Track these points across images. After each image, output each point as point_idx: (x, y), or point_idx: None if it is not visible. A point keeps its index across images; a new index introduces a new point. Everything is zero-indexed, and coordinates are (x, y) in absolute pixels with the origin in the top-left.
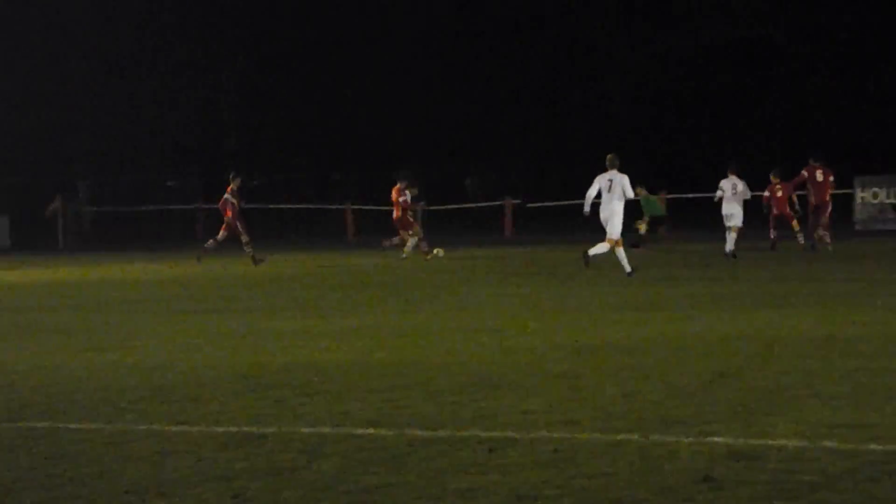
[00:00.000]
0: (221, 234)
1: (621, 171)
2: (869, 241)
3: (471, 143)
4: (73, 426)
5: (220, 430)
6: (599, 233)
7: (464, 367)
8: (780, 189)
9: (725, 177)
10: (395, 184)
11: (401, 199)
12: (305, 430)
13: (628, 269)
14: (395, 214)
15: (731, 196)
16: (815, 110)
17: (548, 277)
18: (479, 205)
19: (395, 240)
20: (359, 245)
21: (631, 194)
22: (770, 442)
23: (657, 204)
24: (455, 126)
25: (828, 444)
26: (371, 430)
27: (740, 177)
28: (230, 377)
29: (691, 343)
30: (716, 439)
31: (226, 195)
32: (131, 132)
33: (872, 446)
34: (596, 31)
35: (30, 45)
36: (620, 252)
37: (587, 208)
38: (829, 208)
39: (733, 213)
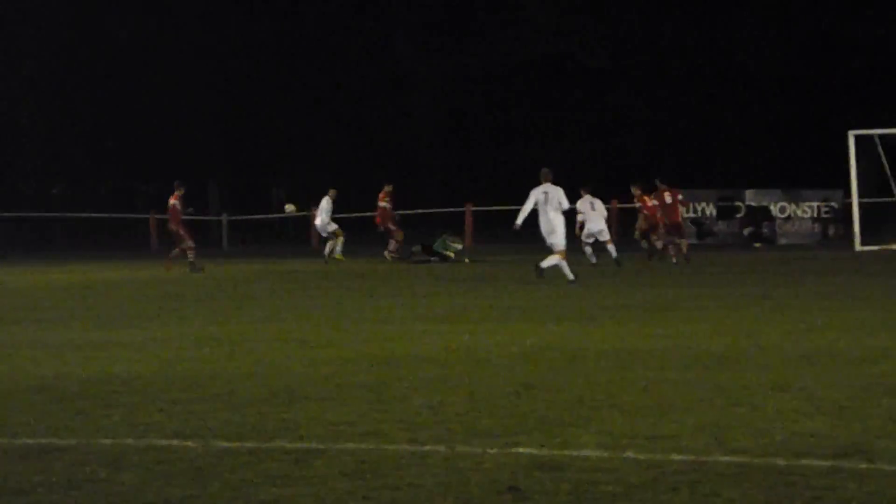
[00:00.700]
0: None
1: (555, 183)
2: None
3: (275, 153)
4: None
5: (18, 442)
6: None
7: (268, 379)
8: (668, 196)
9: (579, 197)
10: (381, 188)
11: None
12: (106, 441)
13: (571, 276)
14: (377, 219)
15: (593, 213)
16: (618, 126)
17: (355, 289)
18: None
19: (392, 245)
20: (161, 255)
21: (567, 205)
22: (573, 452)
23: None
24: (259, 136)
25: (629, 454)
26: (174, 442)
27: (594, 195)
28: (29, 388)
29: (496, 354)
30: (520, 450)
31: (173, 202)
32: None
33: (673, 456)
34: (400, 41)
35: None
36: (564, 263)
37: (519, 221)
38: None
39: (602, 229)
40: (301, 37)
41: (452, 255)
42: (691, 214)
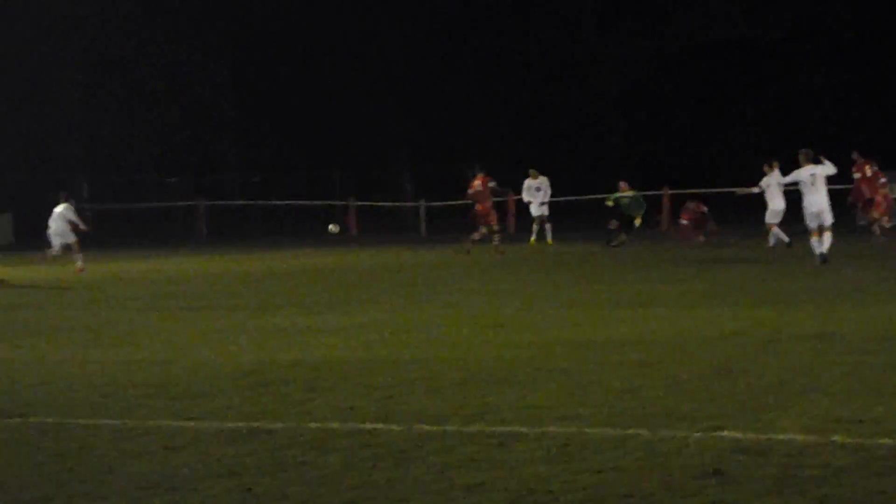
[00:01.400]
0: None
1: None
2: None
3: (467, 138)
4: (80, 422)
5: (228, 425)
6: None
7: (466, 363)
8: (868, 170)
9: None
10: (474, 177)
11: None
12: (312, 425)
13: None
14: (479, 207)
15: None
16: (806, 106)
17: (553, 273)
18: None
19: (477, 236)
20: (361, 241)
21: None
22: (777, 436)
23: (641, 202)
24: (451, 122)
25: (835, 438)
26: (378, 426)
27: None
28: (235, 373)
29: (692, 338)
30: (722, 434)
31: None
32: (127, 130)
33: (880, 440)
34: (582, 28)
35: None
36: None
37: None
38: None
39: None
40: (488, 20)
41: (639, 220)
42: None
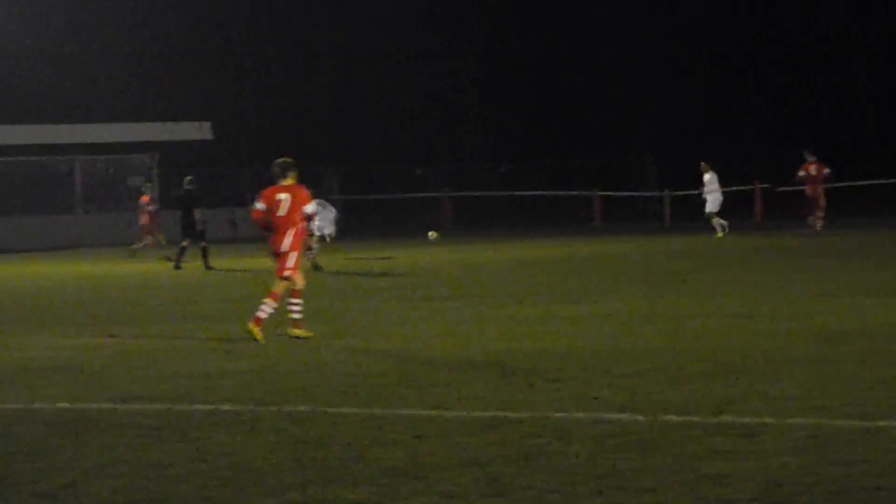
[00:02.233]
0: None
1: None
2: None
3: (710, 127)
4: (331, 410)
5: (474, 414)
6: None
7: (711, 353)
8: None
9: None
10: (808, 162)
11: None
12: (557, 414)
13: None
14: (810, 190)
15: None
16: None
17: (794, 262)
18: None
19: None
20: (602, 231)
21: None
22: None
23: None
24: (695, 111)
25: None
26: (623, 416)
27: None
28: (481, 363)
29: None
30: None
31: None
32: (378, 121)
33: None
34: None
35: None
36: None
37: None
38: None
39: None
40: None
41: None
42: None
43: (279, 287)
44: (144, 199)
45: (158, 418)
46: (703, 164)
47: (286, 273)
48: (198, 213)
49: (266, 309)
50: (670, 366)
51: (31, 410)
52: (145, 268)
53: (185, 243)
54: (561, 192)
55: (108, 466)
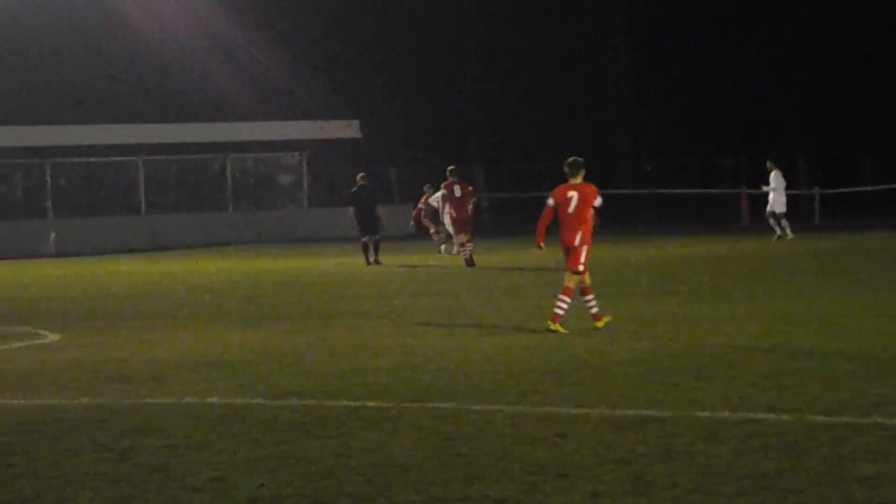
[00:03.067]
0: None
1: None
2: None
3: (860, 122)
4: (475, 408)
5: (618, 413)
6: None
7: (861, 353)
8: None
9: None
10: None
11: None
12: (702, 413)
13: None
14: None
15: None
16: None
17: None
18: (875, 188)
19: None
20: (750, 230)
21: None
22: None
23: None
24: (844, 106)
25: None
26: (769, 415)
27: None
28: (625, 361)
29: None
30: None
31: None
32: (523, 119)
33: None
34: None
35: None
36: None
37: None
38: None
39: None
40: None
41: None
42: None
43: (571, 281)
44: (424, 198)
45: (305, 414)
46: (769, 162)
47: (579, 268)
48: (380, 210)
49: (562, 305)
50: (819, 366)
51: (183, 405)
52: (296, 264)
53: (366, 239)
54: (708, 191)
55: (255, 461)
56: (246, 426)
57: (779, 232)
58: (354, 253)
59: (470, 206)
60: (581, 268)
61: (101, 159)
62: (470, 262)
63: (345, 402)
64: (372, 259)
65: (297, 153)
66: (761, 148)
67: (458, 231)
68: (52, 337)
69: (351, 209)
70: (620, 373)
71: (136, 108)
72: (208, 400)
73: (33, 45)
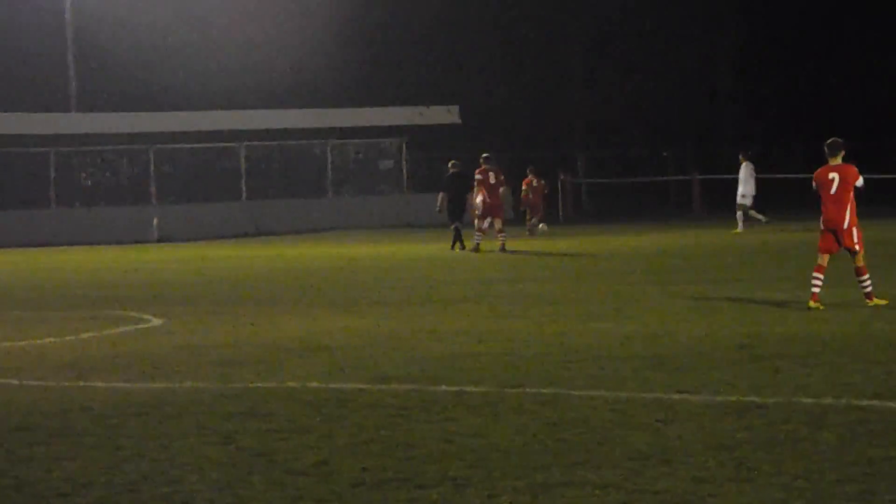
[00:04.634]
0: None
1: None
2: None
3: None
4: (576, 393)
5: (721, 399)
6: None
7: None
8: None
9: None
10: None
11: None
12: (806, 400)
13: None
14: None
15: None
16: None
17: None
18: None
19: None
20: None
21: None
22: None
23: None
24: None
25: None
26: (874, 402)
27: None
28: (728, 347)
29: None
30: None
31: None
32: (624, 102)
33: None
34: None
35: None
36: None
37: None
38: None
39: None
40: None
41: None
42: None
43: (859, 259)
44: (526, 181)
45: (407, 399)
46: (741, 154)
47: (856, 247)
48: (471, 197)
49: (866, 283)
50: None
51: (285, 389)
52: (396, 249)
53: (457, 225)
54: (810, 175)
55: (358, 445)
56: (348, 411)
57: (741, 227)
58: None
59: (501, 192)
60: (857, 247)
61: (204, 145)
62: (475, 249)
63: (446, 388)
64: (458, 246)
65: (395, 139)
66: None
67: (493, 215)
68: (156, 321)
69: (441, 195)
70: (723, 358)
71: (238, 95)
72: (311, 384)
73: (139, 33)
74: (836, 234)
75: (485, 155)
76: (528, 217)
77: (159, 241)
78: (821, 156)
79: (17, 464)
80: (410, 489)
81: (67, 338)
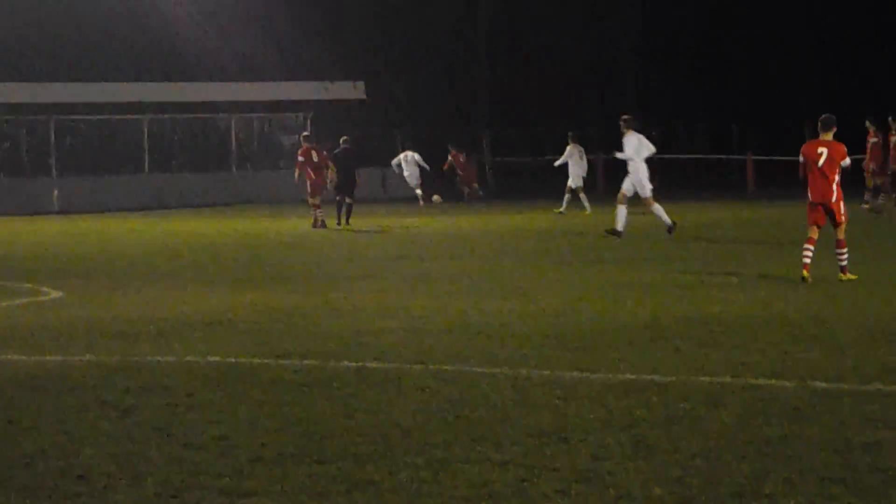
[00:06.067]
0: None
1: None
2: None
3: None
4: (477, 370)
5: (620, 377)
6: None
7: (867, 321)
8: None
9: None
10: None
11: None
12: (705, 379)
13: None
14: None
15: None
16: None
17: None
18: None
19: None
20: (756, 197)
21: None
22: None
23: None
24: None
25: None
26: (771, 381)
27: None
28: (628, 326)
29: None
30: None
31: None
32: (528, 81)
33: None
34: None
35: None
36: None
37: None
38: None
39: None
40: None
41: None
42: None
43: (841, 233)
44: (452, 154)
45: (308, 374)
46: (570, 134)
47: (841, 219)
48: (359, 173)
49: (843, 257)
50: (825, 333)
51: (185, 364)
52: (299, 225)
53: (340, 198)
54: (715, 156)
55: (258, 420)
56: (249, 386)
57: (562, 208)
58: (361, 215)
59: (325, 174)
60: (843, 218)
61: (106, 117)
62: (321, 225)
63: (348, 364)
64: (343, 222)
65: (300, 114)
66: (768, 114)
67: (313, 194)
68: (55, 294)
69: (331, 169)
70: (623, 338)
71: (141, 66)
72: (211, 359)
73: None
74: (824, 207)
75: (304, 134)
76: (465, 191)
77: (60, 213)
78: (721, 139)
79: None
80: (310, 464)
81: None
